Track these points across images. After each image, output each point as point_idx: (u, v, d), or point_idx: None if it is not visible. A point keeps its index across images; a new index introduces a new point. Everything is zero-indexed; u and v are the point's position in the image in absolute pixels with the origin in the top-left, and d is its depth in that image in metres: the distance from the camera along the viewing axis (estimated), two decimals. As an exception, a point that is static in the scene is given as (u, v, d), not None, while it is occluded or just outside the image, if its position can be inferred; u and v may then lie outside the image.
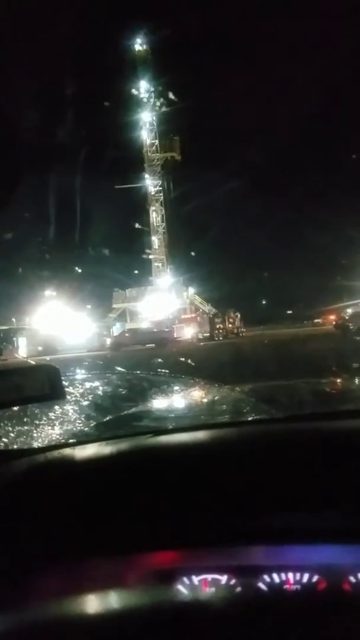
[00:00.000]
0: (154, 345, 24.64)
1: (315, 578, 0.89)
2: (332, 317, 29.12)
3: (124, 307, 37.66)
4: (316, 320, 35.85)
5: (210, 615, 0.84)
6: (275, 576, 0.90)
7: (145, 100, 38.14)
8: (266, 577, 0.90)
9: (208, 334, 30.18)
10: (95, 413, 1.83)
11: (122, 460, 1.18)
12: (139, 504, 1.10)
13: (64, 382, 1.24)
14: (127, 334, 28.35)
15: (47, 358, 16.02)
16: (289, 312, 45.62)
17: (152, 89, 37.67)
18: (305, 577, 0.89)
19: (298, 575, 0.90)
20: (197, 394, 2.38)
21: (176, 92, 35.12)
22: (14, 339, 26.72)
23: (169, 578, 0.92)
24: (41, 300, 32.52)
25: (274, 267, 46.78)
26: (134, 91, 37.67)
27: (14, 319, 30.73)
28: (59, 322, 29.44)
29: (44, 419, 1.67)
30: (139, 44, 37.60)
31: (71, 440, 1.38)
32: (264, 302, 47.66)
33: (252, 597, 0.88)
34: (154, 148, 38.66)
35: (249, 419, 1.58)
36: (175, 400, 2.30)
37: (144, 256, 38.10)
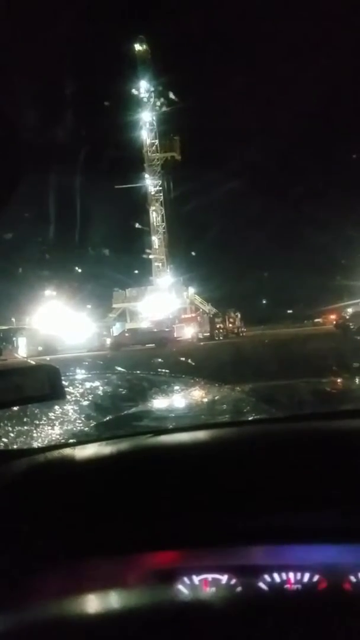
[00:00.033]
0: (154, 345, 24.60)
1: (315, 578, 0.89)
2: (333, 316, 29.10)
3: (124, 307, 37.64)
4: (316, 320, 35.77)
5: (210, 615, 0.84)
6: (275, 576, 0.90)
7: (145, 100, 38.19)
8: (267, 577, 0.90)
9: (208, 334, 30.11)
10: (95, 413, 1.82)
11: (122, 460, 1.18)
12: (139, 504, 1.10)
13: (64, 382, 1.24)
14: (127, 334, 28.31)
15: (47, 358, 15.98)
16: (289, 311, 45.52)
17: (152, 89, 37.73)
18: (306, 576, 0.89)
19: (298, 575, 0.90)
20: (198, 394, 2.38)
21: (176, 92, 35.20)
22: (14, 338, 26.65)
23: (169, 578, 0.92)
24: (41, 300, 32.53)
25: (274, 267, 46.69)
26: (134, 91, 37.74)
27: (14, 319, 30.74)
28: (59, 322, 29.43)
29: (44, 419, 1.67)
30: (139, 44, 37.67)
31: (71, 440, 1.37)
32: (264, 302, 47.62)
33: (253, 596, 0.88)
34: (154, 148, 38.67)
35: (249, 418, 1.58)
36: (175, 400, 2.30)
37: (144, 256, 38.18)
